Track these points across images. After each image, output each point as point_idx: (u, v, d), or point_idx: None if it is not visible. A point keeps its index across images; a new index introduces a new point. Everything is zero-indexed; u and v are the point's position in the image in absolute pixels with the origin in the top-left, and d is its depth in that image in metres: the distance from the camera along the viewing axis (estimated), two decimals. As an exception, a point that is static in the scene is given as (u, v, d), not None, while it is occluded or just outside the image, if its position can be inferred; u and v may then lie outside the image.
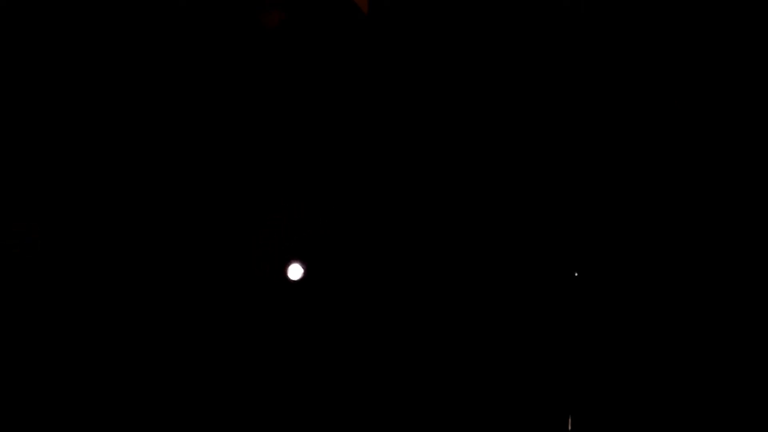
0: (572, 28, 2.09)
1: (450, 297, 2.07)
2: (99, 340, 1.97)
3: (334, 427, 2.01)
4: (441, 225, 2.09)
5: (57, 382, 1.94)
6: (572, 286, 2.08)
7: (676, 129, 2.08)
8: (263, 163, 2.04)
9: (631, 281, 2.06)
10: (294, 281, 2.04)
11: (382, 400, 2.03)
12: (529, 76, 2.10)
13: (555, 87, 2.10)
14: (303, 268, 1.95)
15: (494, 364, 2.06)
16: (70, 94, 1.93)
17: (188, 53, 1.94)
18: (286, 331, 2.04)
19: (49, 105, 1.93)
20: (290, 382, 2.02)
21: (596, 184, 2.09)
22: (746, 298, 2.02)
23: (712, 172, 2.06)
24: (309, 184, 2.05)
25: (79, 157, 1.96)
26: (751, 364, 2.01)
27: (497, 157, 2.10)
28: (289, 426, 2.00)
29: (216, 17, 1.84)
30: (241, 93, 2.00)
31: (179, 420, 2.00)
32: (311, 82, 2.02)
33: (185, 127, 1.99)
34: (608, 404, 2.04)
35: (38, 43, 1.91)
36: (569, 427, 2.04)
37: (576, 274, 2.08)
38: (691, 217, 2.07)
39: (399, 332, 2.05)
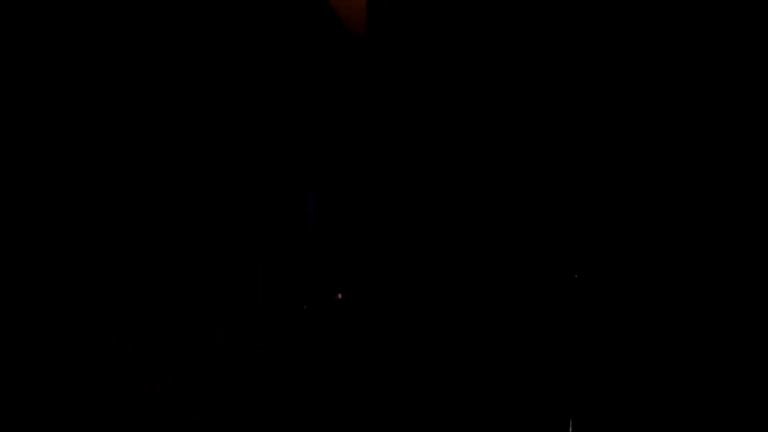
0: (573, 34, 2.10)
1: (450, 297, 2.06)
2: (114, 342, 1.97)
3: None
4: (439, 228, 2.09)
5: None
6: (572, 288, 2.08)
7: (676, 129, 2.09)
8: (264, 166, 2.03)
9: (631, 282, 2.06)
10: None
11: (386, 390, 2.03)
12: (529, 86, 2.10)
13: (554, 95, 2.10)
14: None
15: (494, 365, 2.05)
16: (69, 93, 1.92)
17: (191, 55, 1.93)
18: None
19: (49, 105, 1.91)
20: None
21: (596, 184, 2.10)
22: (746, 298, 2.03)
23: (712, 171, 2.06)
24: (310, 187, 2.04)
25: (78, 156, 1.95)
26: (751, 364, 2.01)
27: (497, 159, 2.10)
28: None
29: (219, 24, 1.84)
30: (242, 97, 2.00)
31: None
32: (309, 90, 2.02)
33: (187, 129, 1.98)
34: (608, 405, 2.05)
35: (38, 42, 1.90)
36: (569, 428, 2.04)
37: (576, 276, 2.08)
38: (692, 217, 2.07)
39: (398, 330, 2.04)
